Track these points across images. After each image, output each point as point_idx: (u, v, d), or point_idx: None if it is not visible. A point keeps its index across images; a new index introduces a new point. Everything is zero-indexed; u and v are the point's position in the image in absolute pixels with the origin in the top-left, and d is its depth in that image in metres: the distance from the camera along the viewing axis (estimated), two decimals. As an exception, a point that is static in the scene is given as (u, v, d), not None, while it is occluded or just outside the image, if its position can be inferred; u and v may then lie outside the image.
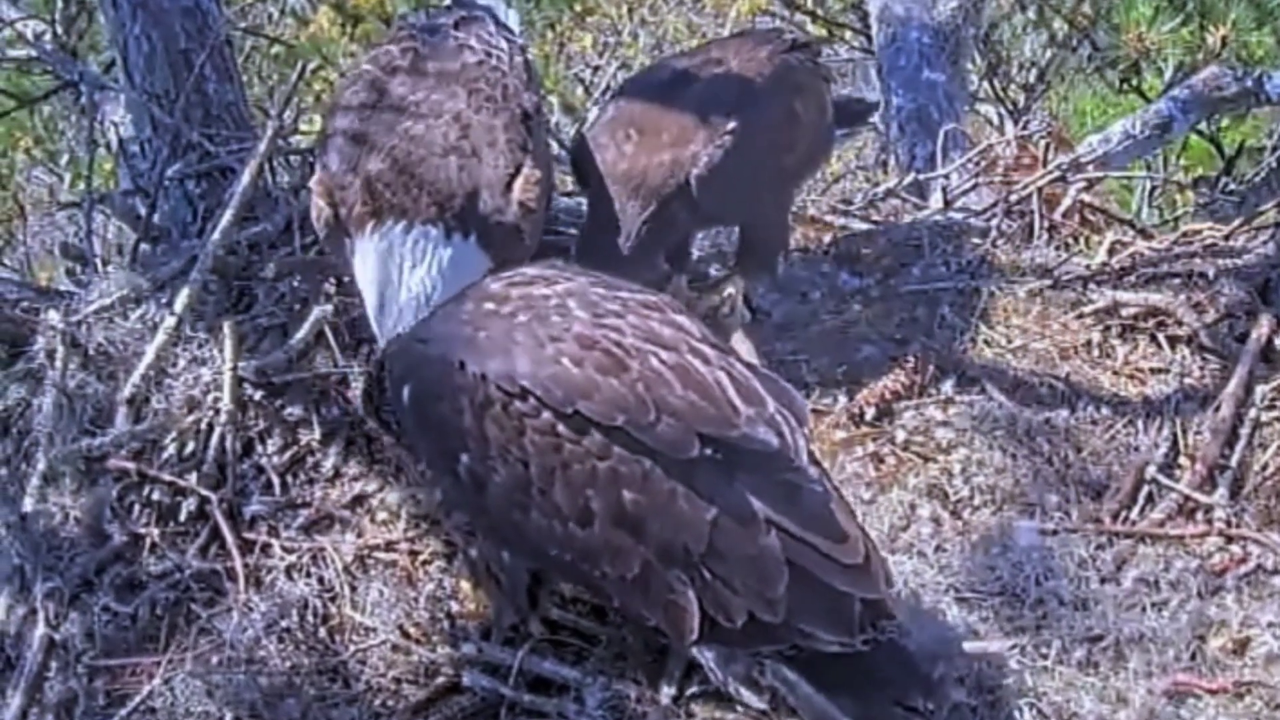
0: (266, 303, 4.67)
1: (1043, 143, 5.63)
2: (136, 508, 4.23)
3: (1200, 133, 7.31)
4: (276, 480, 4.28)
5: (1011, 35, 8.91)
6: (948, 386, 4.48)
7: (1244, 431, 4.39)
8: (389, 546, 4.15)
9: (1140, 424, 4.43)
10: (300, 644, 3.96)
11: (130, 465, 4.26)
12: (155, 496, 4.23)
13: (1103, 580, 4.00)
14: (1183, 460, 4.37)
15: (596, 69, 9.52)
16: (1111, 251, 5.05)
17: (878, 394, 4.43)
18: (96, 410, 4.39)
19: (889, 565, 3.63)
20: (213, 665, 3.90)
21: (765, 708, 3.56)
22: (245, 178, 4.74)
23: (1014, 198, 5.23)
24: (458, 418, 3.51)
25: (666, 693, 3.69)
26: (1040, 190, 5.25)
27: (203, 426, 4.33)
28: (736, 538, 3.39)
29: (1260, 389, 4.49)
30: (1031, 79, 8.78)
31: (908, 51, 6.98)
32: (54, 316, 4.52)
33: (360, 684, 3.91)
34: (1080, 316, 4.74)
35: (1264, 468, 4.34)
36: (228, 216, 4.67)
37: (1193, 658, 3.83)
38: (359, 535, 4.18)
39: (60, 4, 7.72)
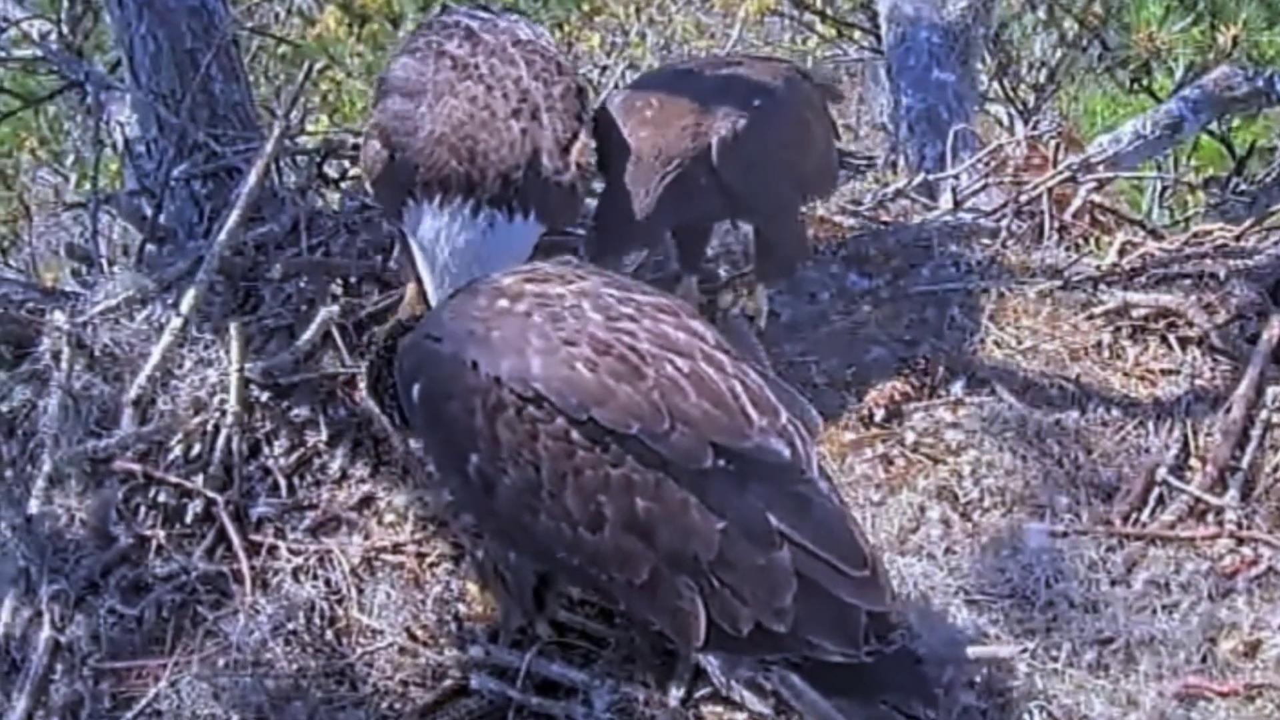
0: (273, 304, 4.67)
1: (1053, 143, 5.61)
2: (142, 510, 4.23)
3: (1211, 133, 7.29)
4: (283, 482, 4.27)
5: (1021, 35, 8.87)
6: (957, 388, 4.47)
7: (1255, 433, 4.37)
8: (396, 548, 4.13)
9: (1151, 425, 4.41)
10: (307, 646, 3.94)
11: (136, 467, 4.25)
12: (161, 498, 4.23)
13: (1113, 582, 3.98)
14: (1193, 462, 4.35)
15: (604, 69, 9.49)
16: (1122, 252, 5.04)
17: (887, 395, 4.42)
18: (102, 412, 4.39)
19: (896, 575, 3.63)
20: (219, 668, 3.89)
21: (769, 712, 3.56)
22: (251, 178, 4.74)
23: (1024, 198, 5.23)
24: (468, 418, 3.48)
25: (675, 695, 3.68)
26: (1050, 191, 5.24)
27: (209, 428, 4.33)
28: (746, 548, 3.38)
29: (1271, 390, 4.46)
30: (1042, 79, 8.75)
31: (917, 51, 6.97)
32: (59, 317, 4.51)
33: (367, 687, 3.90)
34: (1090, 317, 4.72)
35: (1275, 469, 4.31)
36: (234, 217, 4.66)
37: (1203, 660, 3.82)
38: (366, 537, 4.17)
39: (66, 3, 7.71)
